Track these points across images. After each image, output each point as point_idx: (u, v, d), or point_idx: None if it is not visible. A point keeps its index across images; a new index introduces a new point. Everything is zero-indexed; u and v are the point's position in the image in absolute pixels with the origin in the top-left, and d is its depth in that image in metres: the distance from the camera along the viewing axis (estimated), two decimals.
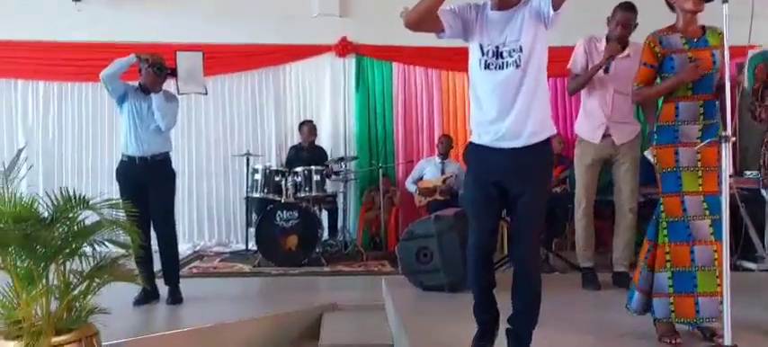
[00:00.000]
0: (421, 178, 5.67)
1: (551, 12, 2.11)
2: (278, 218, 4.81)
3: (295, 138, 5.97)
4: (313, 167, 5.11)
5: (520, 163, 2.22)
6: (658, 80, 2.48)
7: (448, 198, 5.42)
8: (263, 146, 6.00)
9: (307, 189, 5.05)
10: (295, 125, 5.96)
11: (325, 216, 5.58)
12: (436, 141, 5.85)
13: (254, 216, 5.16)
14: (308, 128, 5.70)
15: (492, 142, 2.23)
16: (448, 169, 5.69)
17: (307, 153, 5.57)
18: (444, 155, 5.72)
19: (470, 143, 2.30)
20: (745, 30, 2.31)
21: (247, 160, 5.49)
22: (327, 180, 5.23)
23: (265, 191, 5.07)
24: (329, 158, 5.60)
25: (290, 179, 4.99)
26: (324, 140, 5.99)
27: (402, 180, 5.97)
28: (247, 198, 5.30)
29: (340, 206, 5.59)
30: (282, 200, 4.93)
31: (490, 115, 2.22)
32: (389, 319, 3.33)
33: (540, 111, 2.21)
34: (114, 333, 2.68)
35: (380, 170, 5.59)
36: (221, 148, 5.94)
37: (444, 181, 5.53)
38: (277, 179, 5.08)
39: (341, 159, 5.50)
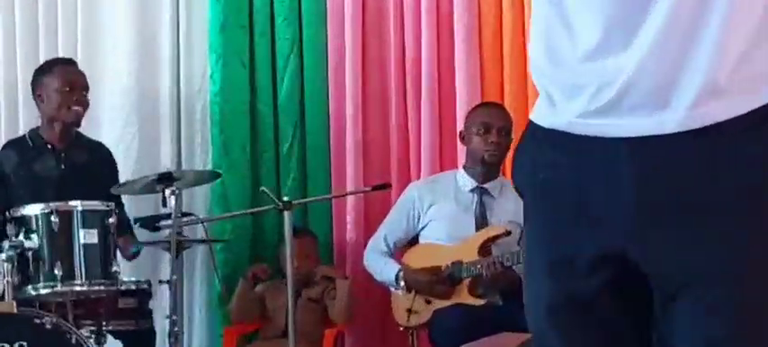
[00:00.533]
0: (414, 240, 5.84)
1: None
2: None
3: (22, 117, 6.34)
4: (78, 206, 5.09)
5: (681, 182, 2.24)
6: None
7: (495, 302, 5.43)
8: None
9: (58, 270, 4.95)
10: (23, 77, 6.29)
11: None
12: (460, 129, 5.87)
13: None
14: (62, 81, 5.75)
15: (588, 118, 2.27)
16: (498, 209, 5.69)
17: (55, 159, 5.76)
18: (489, 169, 5.71)
19: (531, 127, 2.41)
20: None
21: None
22: (122, 244, 5.48)
23: None
24: (126, 178, 5.86)
25: (5, 244, 4.95)
26: (109, 122, 6.38)
27: (356, 243, 6.03)
28: None
29: (163, 325, 5.61)
30: None
31: (589, 37, 2.27)
32: None
33: (740, 21, 2.22)
34: None
35: (285, 213, 5.42)
36: None
37: (484, 247, 5.45)
38: None
39: (166, 179, 5.32)
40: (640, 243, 2.25)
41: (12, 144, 5.78)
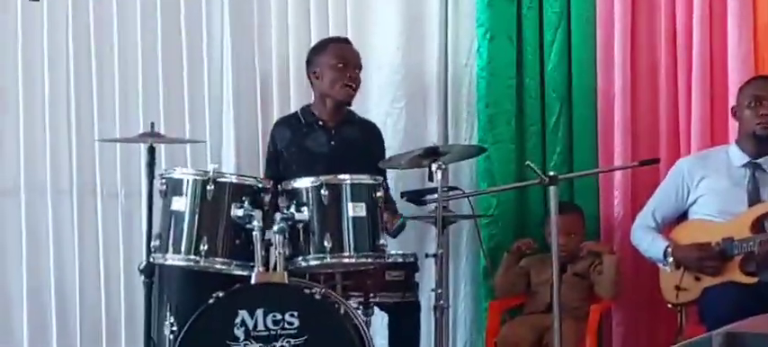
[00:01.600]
0: (683, 216, 5.74)
1: None
2: (240, 333, 4.89)
3: (293, 94, 6.46)
4: (347, 179, 5.15)
5: None
6: None
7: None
8: (197, 110, 6.49)
9: (327, 242, 5.03)
10: (295, 55, 6.48)
11: (381, 325, 5.90)
12: (732, 104, 5.73)
13: (168, 319, 5.19)
14: (337, 59, 5.93)
15: None
16: None
17: (327, 135, 5.94)
18: (761, 142, 5.57)
19: None
20: None
21: (151, 154, 5.45)
22: (391, 220, 5.58)
23: (205, 248, 5.06)
24: (394, 152, 5.94)
25: (277, 216, 5.03)
26: (378, 97, 6.56)
27: (623, 219, 6.14)
28: (149, 268, 5.29)
29: (428, 298, 5.64)
30: (254, 277, 4.94)
31: None
32: None
33: None
34: None
35: (551, 188, 5.34)
36: (64, 119, 6.35)
37: (758, 223, 5.34)
38: (239, 213, 5.07)
39: (433, 153, 5.38)
40: None
41: (284, 121, 5.95)
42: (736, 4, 5.88)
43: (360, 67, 5.79)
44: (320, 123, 5.76)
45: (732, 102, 5.66)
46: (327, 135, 5.75)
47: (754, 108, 5.37)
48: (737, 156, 5.48)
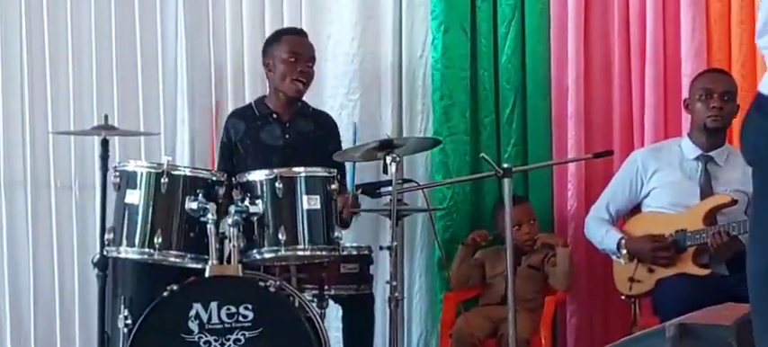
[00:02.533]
0: (636, 208, 5.83)
1: None
2: (194, 326, 4.90)
3: (247, 86, 6.46)
4: (302, 172, 5.16)
5: None
6: None
7: (721, 271, 5.32)
8: (151, 102, 6.46)
9: (281, 235, 5.03)
10: (249, 47, 6.47)
11: (336, 317, 5.93)
12: (686, 96, 5.74)
13: (122, 312, 5.16)
14: (289, 53, 5.89)
15: None
16: (724, 177, 5.61)
17: (281, 128, 5.93)
18: (713, 135, 5.68)
19: (758, 98, 2.42)
20: None
21: (105, 147, 5.42)
22: (342, 202, 5.50)
23: (159, 241, 5.06)
24: (350, 143, 5.92)
25: (231, 209, 5.03)
26: (332, 89, 6.53)
27: (577, 211, 6.17)
28: (102, 261, 5.28)
29: (383, 291, 5.71)
30: (208, 270, 4.94)
31: None
32: None
33: None
34: None
35: (505, 180, 5.34)
36: (17, 111, 6.32)
37: (710, 215, 5.38)
38: (193, 206, 5.07)
39: (387, 146, 5.36)
40: None
41: (238, 113, 5.91)
42: None
43: (313, 60, 5.74)
44: (274, 116, 5.73)
45: (685, 94, 5.68)
46: (282, 127, 5.73)
47: (705, 101, 5.38)
48: (690, 149, 5.50)
